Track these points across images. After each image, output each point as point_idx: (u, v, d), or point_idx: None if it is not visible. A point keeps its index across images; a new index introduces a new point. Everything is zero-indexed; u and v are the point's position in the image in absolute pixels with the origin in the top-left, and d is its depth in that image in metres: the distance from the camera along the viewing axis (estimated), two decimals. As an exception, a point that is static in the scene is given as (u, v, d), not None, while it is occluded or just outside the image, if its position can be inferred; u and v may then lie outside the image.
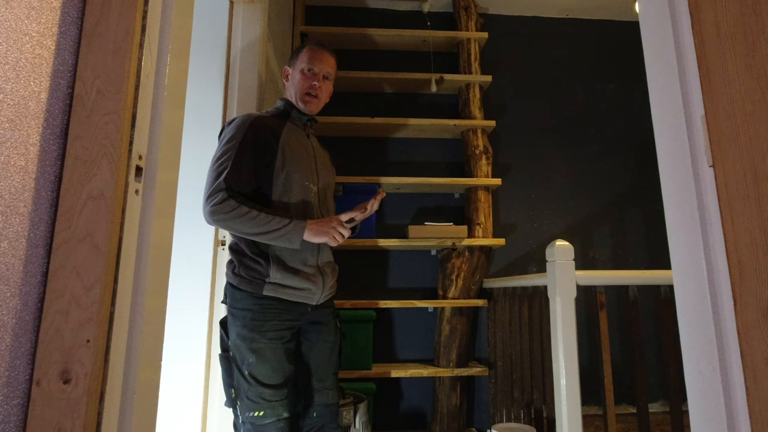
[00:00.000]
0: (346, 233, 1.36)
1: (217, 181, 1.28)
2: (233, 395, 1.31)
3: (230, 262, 1.39)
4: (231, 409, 1.32)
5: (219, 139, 1.39)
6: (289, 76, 1.53)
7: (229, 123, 1.39)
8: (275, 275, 1.33)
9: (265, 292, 1.32)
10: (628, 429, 2.25)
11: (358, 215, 1.44)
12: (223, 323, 1.38)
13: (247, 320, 1.30)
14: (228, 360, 1.32)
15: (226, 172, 1.28)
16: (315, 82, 1.47)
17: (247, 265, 1.34)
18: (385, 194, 1.46)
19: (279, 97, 2.21)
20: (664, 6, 0.90)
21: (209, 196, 1.27)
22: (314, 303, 1.41)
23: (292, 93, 1.50)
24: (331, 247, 1.50)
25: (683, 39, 0.87)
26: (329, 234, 1.33)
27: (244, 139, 1.33)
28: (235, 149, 1.32)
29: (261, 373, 1.28)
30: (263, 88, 1.87)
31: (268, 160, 1.36)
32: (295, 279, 1.35)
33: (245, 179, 1.32)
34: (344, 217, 1.42)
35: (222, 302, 1.40)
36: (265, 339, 1.30)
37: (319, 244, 1.42)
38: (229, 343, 1.33)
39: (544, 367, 1.77)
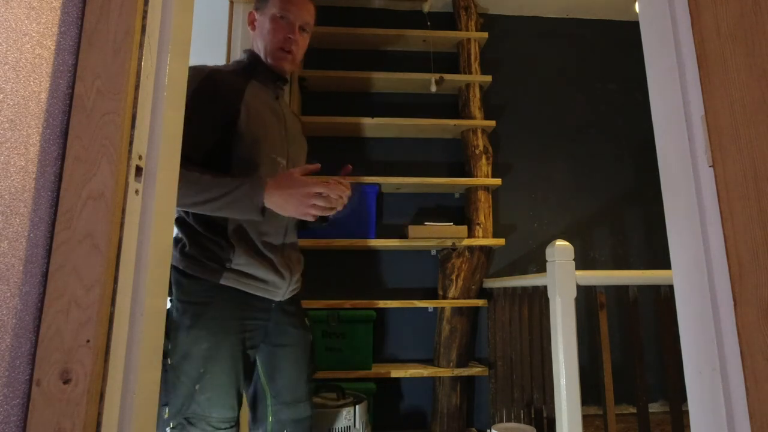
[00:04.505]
0: (330, 202, 1.03)
1: None
2: (166, 415, 1.01)
3: (177, 240, 1.09)
4: None
5: None
6: (257, 24, 1.25)
7: None
8: (238, 260, 1.07)
9: (222, 281, 1.06)
10: (628, 429, 2.25)
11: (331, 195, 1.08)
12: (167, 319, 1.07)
13: (202, 318, 1.04)
14: (166, 369, 1.02)
15: None
16: (290, 35, 1.21)
17: (202, 245, 1.06)
18: (350, 168, 1.19)
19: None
20: (664, 6, 0.90)
21: None
22: (278, 299, 1.18)
23: (260, 45, 1.23)
24: (299, 228, 1.27)
25: (683, 39, 0.86)
26: (304, 204, 1.00)
27: (196, 93, 1.03)
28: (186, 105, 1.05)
29: (215, 387, 1.02)
30: (263, 88, 1.87)
31: (228, 120, 1.09)
32: (259, 268, 1.11)
33: (196, 141, 1.03)
34: (315, 188, 1.03)
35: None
36: (226, 343, 1.05)
37: (286, 222, 1.17)
38: (170, 347, 1.03)
39: (544, 367, 1.77)
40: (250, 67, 1.23)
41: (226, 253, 1.07)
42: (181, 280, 1.07)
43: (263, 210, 1.02)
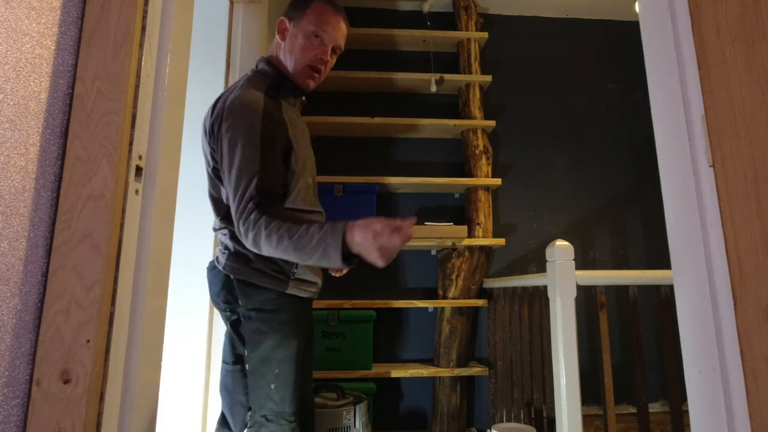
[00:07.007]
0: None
1: (248, 191, 1.02)
2: (246, 419, 1.10)
3: (239, 254, 1.13)
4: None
5: (222, 127, 1.10)
6: (288, 35, 1.22)
7: (231, 106, 1.10)
8: (299, 269, 1.15)
9: (288, 290, 1.13)
10: (628, 429, 2.25)
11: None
12: (236, 328, 1.14)
13: (275, 324, 1.11)
14: (245, 374, 1.11)
15: (256, 178, 1.02)
16: (322, 56, 1.20)
17: (267, 258, 1.11)
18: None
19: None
20: (664, 6, 0.90)
21: (241, 214, 1.02)
22: (315, 298, 1.27)
23: (288, 58, 1.21)
24: None
25: (683, 39, 0.86)
26: (392, 247, 0.93)
27: (264, 131, 1.07)
28: (259, 144, 1.05)
29: (287, 385, 1.10)
30: (263, 88, 1.86)
31: (285, 157, 1.13)
32: (310, 272, 1.19)
33: (276, 182, 1.08)
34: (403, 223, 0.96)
35: (224, 302, 1.16)
36: (295, 344, 1.11)
37: None
38: (248, 353, 1.11)
39: (544, 367, 1.77)
40: (277, 84, 1.21)
41: (289, 265, 1.14)
42: (250, 291, 1.12)
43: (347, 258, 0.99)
